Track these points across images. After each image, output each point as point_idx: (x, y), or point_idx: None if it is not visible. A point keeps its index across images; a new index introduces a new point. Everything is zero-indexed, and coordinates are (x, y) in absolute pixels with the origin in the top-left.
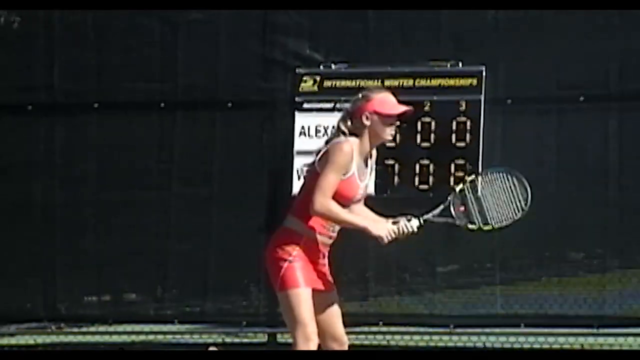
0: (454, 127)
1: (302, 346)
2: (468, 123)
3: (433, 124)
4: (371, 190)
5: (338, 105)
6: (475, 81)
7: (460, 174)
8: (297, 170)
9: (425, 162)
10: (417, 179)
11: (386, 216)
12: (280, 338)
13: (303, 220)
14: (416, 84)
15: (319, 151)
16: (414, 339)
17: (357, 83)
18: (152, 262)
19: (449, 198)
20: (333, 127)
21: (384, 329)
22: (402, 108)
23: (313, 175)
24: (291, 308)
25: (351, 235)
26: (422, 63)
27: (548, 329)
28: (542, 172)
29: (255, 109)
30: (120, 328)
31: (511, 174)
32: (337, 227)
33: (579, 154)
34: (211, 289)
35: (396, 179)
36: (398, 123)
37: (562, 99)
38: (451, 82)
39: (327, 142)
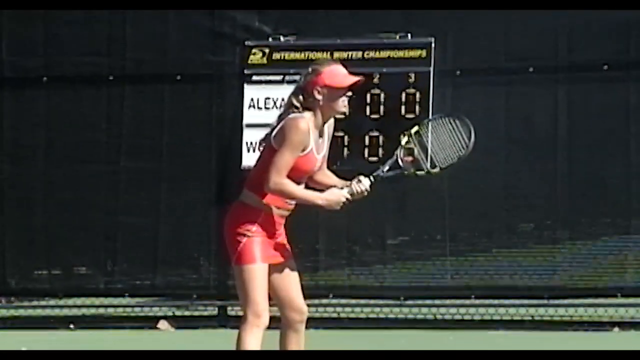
0: (403, 99)
1: (251, 321)
2: (417, 95)
3: (382, 95)
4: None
5: (287, 78)
6: (424, 53)
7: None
8: (247, 143)
9: (375, 134)
10: (366, 151)
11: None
12: (230, 311)
13: (260, 195)
14: (365, 56)
15: (274, 126)
16: (364, 311)
17: (306, 55)
18: (102, 236)
19: (396, 152)
20: (283, 100)
21: (334, 301)
22: (353, 79)
23: (269, 150)
24: (245, 284)
25: (302, 208)
26: (371, 35)
27: (498, 300)
28: (491, 144)
29: (204, 82)
30: (70, 302)
31: (452, 116)
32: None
33: (528, 126)
34: (161, 262)
35: (346, 151)
36: (350, 94)
37: (511, 71)
38: (400, 54)
39: (279, 117)
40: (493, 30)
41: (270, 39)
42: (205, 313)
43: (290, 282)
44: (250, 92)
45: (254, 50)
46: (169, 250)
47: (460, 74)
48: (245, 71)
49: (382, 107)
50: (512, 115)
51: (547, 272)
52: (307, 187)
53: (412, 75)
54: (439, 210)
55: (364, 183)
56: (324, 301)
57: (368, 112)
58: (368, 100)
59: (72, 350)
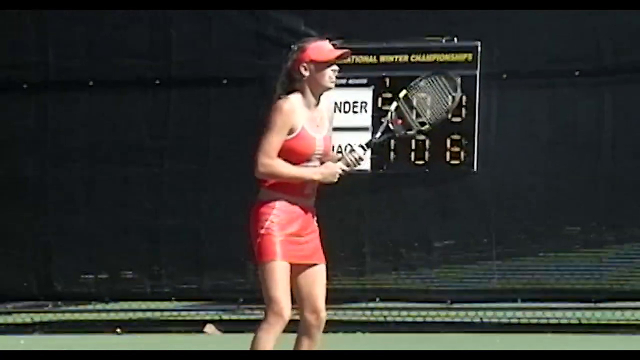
0: None
1: (270, 321)
2: (463, 98)
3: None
4: (367, 166)
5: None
6: (470, 56)
7: (456, 149)
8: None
9: (421, 137)
10: (413, 155)
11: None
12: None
13: (267, 187)
14: (411, 59)
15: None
16: (410, 314)
17: (352, 59)
18: (148, 239)
19: (386, 117)
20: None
21: (381, 304)
22: (338, 52)
23: None
24: (264, 282)
25: (348, 211)
26: (417, 39)
27: (545, 304)
28: (537, 147)
29: (250, 85)
30: (117, 306)
31: (437, 74)
32: (311, 185)
33: (573, 129)
34: (207, 266)
35: (392, 154)
36: (336, 68)
37: (557, 74)
38: (446, 57)
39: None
40: (538, 33)
41: None
42: (252, 317)
43: (315, 282)
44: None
45: None
46: (215, 253)
47: (507, 77)
48: None
49: (428, 111)
50: (557, 117)
51: (594, 274)
52: None
53: (459, 79)
54: (484, 213)
55: (357, 152)
56: (371, 305)
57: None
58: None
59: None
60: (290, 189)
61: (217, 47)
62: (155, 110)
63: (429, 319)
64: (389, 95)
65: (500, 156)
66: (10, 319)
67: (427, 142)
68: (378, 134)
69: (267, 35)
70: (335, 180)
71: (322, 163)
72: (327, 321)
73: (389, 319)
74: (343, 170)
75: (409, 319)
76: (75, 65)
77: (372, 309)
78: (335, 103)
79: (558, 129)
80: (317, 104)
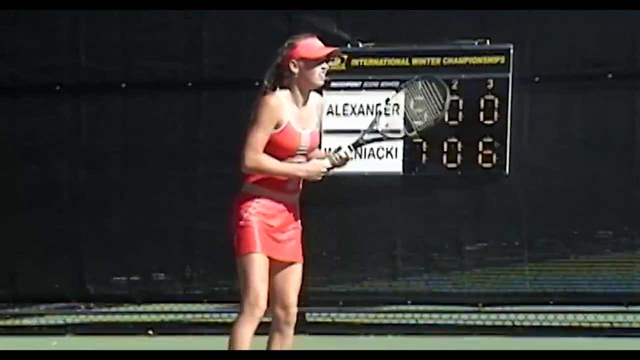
0: (481, 105)
1: (245, 312)
2: (496, 101)
3: (461, 102)
4: (399, 168)
5: (365, 84)
6: (503, 59)
7: (489, 151)
8: (325, 149)
9: (453, 140)
10: (445, 157)
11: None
12: (309, 317)
13: (252, 182)
14: (444, 62)
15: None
16: (442, 318)
17: (385, 62)
18: (180, 241)
19: (374, 118)
20: (361, 106)
21: (412, 307)
22: (328, 50)
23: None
24: (243, 272)
25: (379, 215)
26: (449, 41)
27: (576, 307)
28: (569, 150)
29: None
30: (149, 308)
31: (427, 79)
32: (295, 181)
33: (606, 132)
34: None
35: (424, 157)
36: (326, 66)
37: (590, 76)
38: (479, 60)
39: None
40: (571, 36)
41: (349, 46)
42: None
43: (289, 279)
44: (329, 98)
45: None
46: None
47: (539, 80)
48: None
49: (460, 114)
50: (590, 121)
51: (626, 278)
52: None
53: (491, 82)
54: (516, 217)
55: (344, 151)
56: (402, 307)
57: (446, 119)
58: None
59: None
60: (274, 185)
61: (249, 50)
62: (188, 113)
63: (460, 322)
64: (421, 98)
65: (533, 159)
66: (42, 321)
67: (459, 144)
68: (364, 134)
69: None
70: (320, 178)
71: (308, 160)
72: (359, 324)
73: (421, 321)
74: (328, 169)
75: (441, 322)
76: (109, 68)
77: (403, 311)
78: (368, 106)
79: (590, 132)
80: (306, 101)
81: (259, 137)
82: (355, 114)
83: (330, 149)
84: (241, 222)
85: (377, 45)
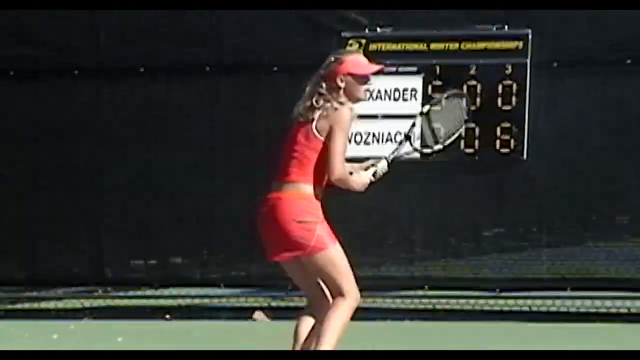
0: (499, 91)
1: (353, 294)
2: (514, 86)
3: (479, 87)
4: (417, 153)
5: (384, 69)
6: (521, 44)
7: (506, 137)
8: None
9: (471, 125)
10: (463, 143)
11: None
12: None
13: (314, 183)
14: (462, 47)
15: (307, 116)
16: (459, 303)
17: (403, 46)
18: (197, 226)
19: (410, 132)
20: (379, 91)
21: (430, 292)
22: (375, 67)
23: (314, 140)
24: (338, 262)
25: (397, 200)
26: (467, 26)
27: (594, 292)
28: (587, 136)
29: (301, 72)
30: (166, 292)
31: (458, 96)
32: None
33: (624, 117)
34: (256, 252)
35: None
36: (371, 83)
37: (608, 62)
38: (497, 45)
39: (308, 107)
40: (589, 21)
41: (367, 30)
42: (301, 304)
43: None
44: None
45: (350, 42)
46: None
47: (557, 65)
48: None
49: (478, 99)
50: (608, 106)
51: None
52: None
53: (509, 67)
54: (534, 202)
55: (383, 166)
56: (420, 292)
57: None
58: (465, 91)
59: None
60: (322, 187)
61: (268, 34)
62: (206, 97)
63: (477, 308)
64: (439, 83)
65: (550, 144)
66: (60, 304)
67: (477, 130)
68: (399, 148)
69: (318, 23)
70: (363, 190)
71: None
72: (376, 309)
73: (438, 307)
74: (370, 182)
75: (458, 307)
76: (127, 51)
77: (421, 297)
78: (385, 90)
79: (608, 117)
80: None
81: (345, 148)
82: (372, 99)
83: (369, 160)
84: (319, 220)
85: (396, 30)
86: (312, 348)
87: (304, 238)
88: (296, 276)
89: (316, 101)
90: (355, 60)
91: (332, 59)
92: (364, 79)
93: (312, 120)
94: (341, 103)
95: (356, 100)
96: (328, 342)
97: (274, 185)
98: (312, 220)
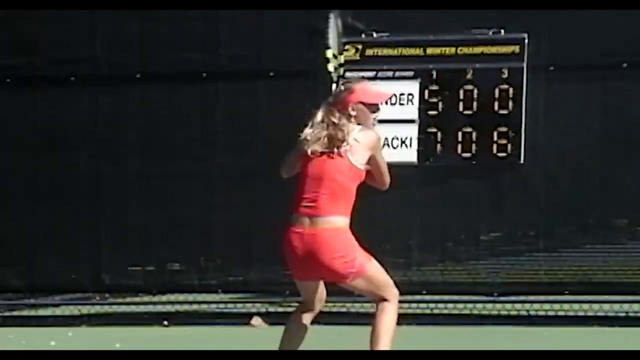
0: (496, 95)
1: (395, 297)
2: (510, 90)
3: (475, 91)
4: (414, 158)
5: (380, 74)
6: (517, 49)
7: (503, 141)
8: None
9: (468, 129)
10: (459, 147)
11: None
12: (323, 307)
13: (347, 213)
14: (458, 52)
15: (331, 148)
16: (457, 307)
17: (399, 51)
18: (195, 232)
19: None
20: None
21: (428, 297)
22: (385, 95)
23: (355, 172)
24: (379, 273)
25: (394, 204)
26: (464, 31)
27: (592, 297)
28: (585, 140)
29: (298, 78)
30: (164, 298)
31: None
32: None
33: (622, 122)
34: (255, 258)
35: (439, 147)
36: (380, 110)
37: (605, 66)
38: (493, 49)
39: (330, 140)
40: (586, 25)
41: (363, 35)
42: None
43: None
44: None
45: (347, 47)
46: (262, 246)
47: (554, 69)
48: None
49: (475, 103)
50: (606, 110)
51: None
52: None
53: (506, 71)
54: (531, 206)
55: None
56: (417, 297)
57: (461, 108)
58: (461, 96)
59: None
60: (350, 211)
61: (266, 40)
62: (205, 104)
63: (475, 312)
64: (435, 87)
65: (548, 148)
66: (58, 311)
67: (474, 134)
68: None
69: (315, 28)
70: None
71: None
72: (374, 314)
73: (436, 311)
74: None
75: (456, 312)
76: (126, 59)
77: (418, 301)
78: None
79: (605, 121)
80: None
81: None
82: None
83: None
84: (356, 248)
85: (392, 35)
86: (372, 348)
87: (347, 269)
88: (308, 291)
89: (331, 131)
90: (365, 89)
91: (342, 88)
92: (374, 107)
93: (340, 152)
94: (367, 127)
95: (365, 126)
96: (386, 344)
97: (301, 219)
98: (351, 251)
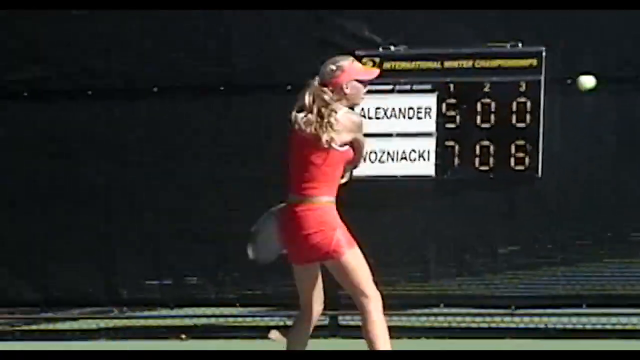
0: (514, 108)
1: (377, 297)
2: (528, 104)
3: (493, 104)
4: (431, 171)
5: (398, 87)
6: (535, 62)
7: (521, 154)
8: None
9: (486, 143)
10: (477, 160)
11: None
12: (341, 320)
13: (330, 193)
14: (475, 65)
15: (317, 131)
16: (474, 320)
17: (417, 65)
18: (212, 245)
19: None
20: (394, 110)
21: (445, 310)
22: (375, 71)
23: (336, 154)
24: (359, 264)
25: (412, 217)
26: (481, 44)
27: (610, 309)
28: (601, 152)
29: None
30: (181, 312)
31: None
32: None
33: (638, 134)
34: (272, 271)
35: (456, 160)
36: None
37: (622, 79)
38: (511, 62)
39: (316, 121)
40: (604, 38)
41: (380, 49)
42: (316, 323)
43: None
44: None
45: (364, 60)
46: (279, 259)
47: (572, 82)
48: None
49: (492, 116)
50: (622, 122)
51: None
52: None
53: (523, 84)
54: (549, 219)
55: None
56: (435, 310)
57: (479, 121)
58: (479, 109)
59: None
60: (335, 191)
61: (281, 53)
62: (220, 117)
63: (493, 325)
64: (453, 101)
65: (565, 162)
66: (76, 325)
67: (492, 147)
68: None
69: (331, 41)
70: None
71: None
72: (390, 327)
73: (453, 324)
74: None
75: (473, 325)
76: (139, 72)
77: (436, 314)
78: (400, 109)
79: (623, 134)
80: None
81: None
82: (387, 117)
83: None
84: (337, 226)
85: (410, 49)
86: (373, 348)
87: (326, 246)
88: (303, 282)
89: (321, 112)
90: (354, 67)
91: (333, 67)
92: (364, 84)
93: (326, 136)
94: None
95: (356, 104)
96: (385, 344)
97: (290, 199)
98: (330, 226)
